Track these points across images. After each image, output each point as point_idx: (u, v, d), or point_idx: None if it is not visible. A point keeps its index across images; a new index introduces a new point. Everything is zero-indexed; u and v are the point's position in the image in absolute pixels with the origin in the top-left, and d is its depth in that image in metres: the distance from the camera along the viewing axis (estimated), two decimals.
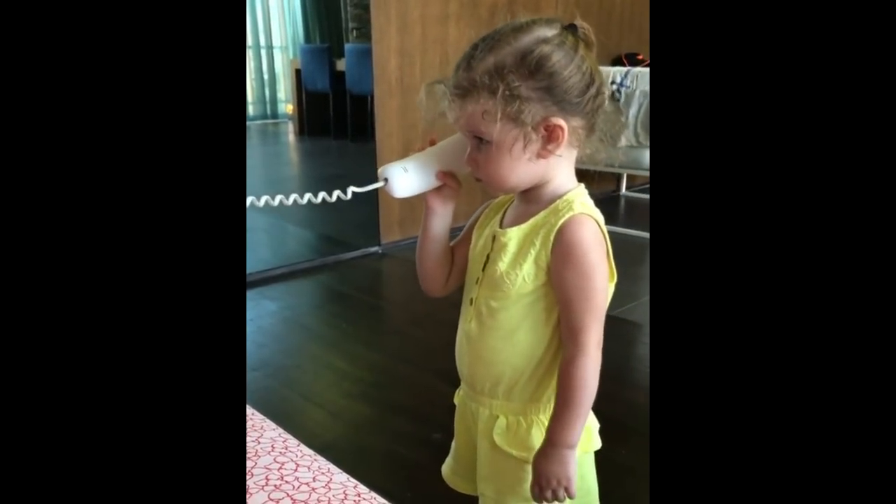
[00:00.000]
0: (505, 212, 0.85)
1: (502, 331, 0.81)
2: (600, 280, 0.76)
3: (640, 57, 4.00)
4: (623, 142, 3.17)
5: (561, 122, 0.73)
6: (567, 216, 0.76)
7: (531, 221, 0.78)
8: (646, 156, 3.25)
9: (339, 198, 0.81)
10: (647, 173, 3.32)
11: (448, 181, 0.83)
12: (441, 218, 0.86)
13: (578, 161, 0.81)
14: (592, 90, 0.75)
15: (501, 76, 0.71)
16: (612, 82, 3.22)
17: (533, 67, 0.72)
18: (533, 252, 0.77)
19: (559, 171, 0.79)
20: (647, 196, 3.77)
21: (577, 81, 0.74)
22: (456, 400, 0.93)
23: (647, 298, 2.35)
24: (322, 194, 0.80)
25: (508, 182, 0.78)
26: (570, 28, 0.75)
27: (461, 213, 0.90)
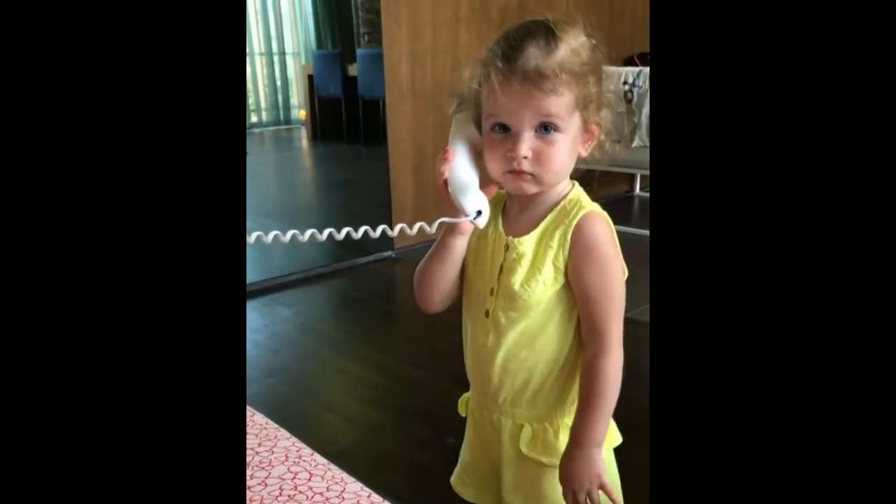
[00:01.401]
0: (501, 216, 0.82)
1: (524, 338, 0.79)
2: (619, 276, 0.77)
3: None
4: (636, 142, 3.16)
5: (599, 117, 0.75)
6: (581, 214, 0.76)
7: (542, 226, 0.77)
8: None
9: (421, 229, 0.72)
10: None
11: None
12: (468, 235, 0.81)
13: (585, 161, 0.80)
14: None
15: (585, 65, 0.72)
16: (625, 82, 3.20)
17: (595, 60, 0.74)
18: (550, 254, 0.76)
19: None
20: None
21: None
22: (462, 412, 0.91)
23: None
24: (400, 226, 0.71)
25: (562, 172, 0.77)
26: None
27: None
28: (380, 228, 0.70)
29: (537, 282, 0.77)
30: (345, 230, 0.67)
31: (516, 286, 0.77)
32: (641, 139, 3.16)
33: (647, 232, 2.94)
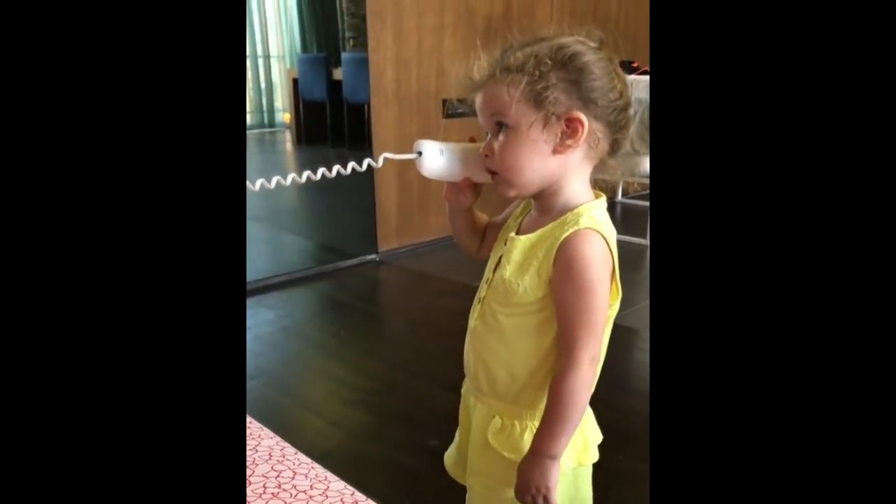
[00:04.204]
0: (524, 216, 0.85)
1: (501, 334, 0.81)
2: (600, 298, 0.75)
3: (636, 65, 4.01)
4: None
5: (582, 116, 0.74)
6: (572, 230, 0.75)
7: (539, 232, 0.78)
8: (642, 163, 3.26)
9: (370, 166, 0.80)
10: (644, 180, 3.34)
11: (466, 189, 0.85)
12: (458, 211, 0.89)
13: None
14: (619, 102, 0.77)
15: (535, 58, 0.74)
16: None
17: (566, 59, 0.74)
18: (536, 263, 0.77)
19: (572, 181, 0.79)
20: (643, 203, 3.80)
21: (605, 86, 0.76)
22: (462, 390, 0.93)
23: (644, 304, 2.34)
24: (352, 164, 0.79)
25: (522, 173, 0.77)
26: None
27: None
28: (366, 161, 0.80)
29: (519, 284, 0.78)
30: (335, 168, 0.78)
31: (502, 280, 0.80)
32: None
33: (630, 238, 2.98)
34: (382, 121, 3.06)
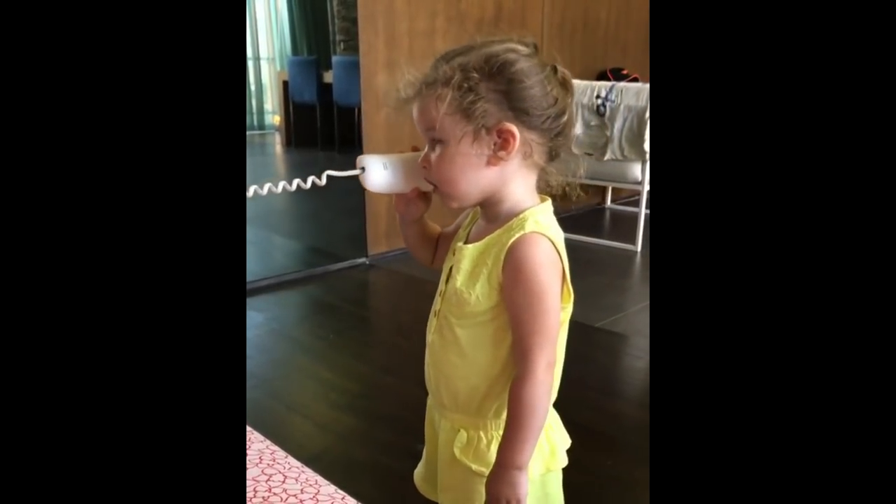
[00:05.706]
0: (473, 226, 0.85)
1: (459, 346, 0.81)
2: (550, 301, 0.75)
3: (625, 72, 4.04)
4: (608, 155, 3.21)
5: (513, 128, 0.73)
6: (518, 235, 0.75)
7: (486, 239, 0.78)
8: (630, 169, 3.29)
9: (314, 184, 0.79)
10: (632, 186, 3.37)
11: (416, 199, 0.84)
12: (409, 222, 0.89)
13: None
14: (553, 110, 0.75)
15: (463, 70, 0.73)
16: (598, 97, 3.26)
17: (495, 70, 0.73)
18: (485, 271, 0.77)
19: (515, 188, 0.78)
20: (631, 209, 3.81)
21: (538, 95, 0.74)
22: (427, 406, 0.93)
23: (633, 310, 2.35)
24: (297, 181, 0.79)
25: (458, 185, 0.77)
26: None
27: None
28: (309, 179, 0.81)
29: (471, 293, 0.78)
30: (281, 183, 0.80)
31: (454, 290, 0.79)
32: (613, 152, 3.21)
33: (618, 243, 3.00)
34: (373, 124, 3.06)
